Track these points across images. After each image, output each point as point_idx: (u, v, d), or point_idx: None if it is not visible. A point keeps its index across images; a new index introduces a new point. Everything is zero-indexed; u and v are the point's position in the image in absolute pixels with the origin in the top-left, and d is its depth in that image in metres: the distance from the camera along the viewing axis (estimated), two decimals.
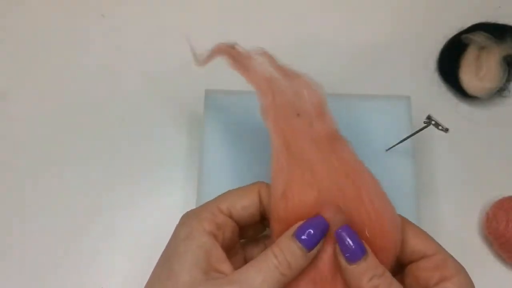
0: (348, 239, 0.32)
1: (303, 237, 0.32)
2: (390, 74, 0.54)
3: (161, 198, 0.49)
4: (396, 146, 0.44)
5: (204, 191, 0.44)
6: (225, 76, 0.53)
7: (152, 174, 0.50)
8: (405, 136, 0.44)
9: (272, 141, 0.35)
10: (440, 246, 0.34)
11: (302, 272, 0.33)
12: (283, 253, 0.32)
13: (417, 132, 0.43)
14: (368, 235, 0.32)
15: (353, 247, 0.32)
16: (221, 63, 0.54)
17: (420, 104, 0.48)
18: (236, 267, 0.32)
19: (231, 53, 0.38)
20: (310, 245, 0.32)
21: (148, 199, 0.49)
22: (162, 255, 0.33)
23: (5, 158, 0.50)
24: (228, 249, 0.34)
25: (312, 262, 0.33)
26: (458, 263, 0.33)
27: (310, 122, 0.35)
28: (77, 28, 0.56)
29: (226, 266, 0.32)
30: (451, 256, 0.34)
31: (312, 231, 0.32)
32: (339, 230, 0.32)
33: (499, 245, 0.46)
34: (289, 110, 0.35)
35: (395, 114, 0.46)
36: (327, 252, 0.33)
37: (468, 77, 0.52)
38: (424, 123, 0.42)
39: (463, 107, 0.53)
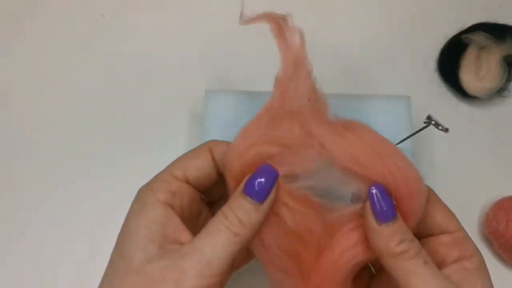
0: (381, 198, 0.30)
1: (253, 189, 0.30)
2: (390, 74, 0.54)
3: None
4: None
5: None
6: (225, 76, 0.54)
7: (152, 174, 0.50)
8: (405, 136, 0.44)
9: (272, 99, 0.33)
10: (461, 224, 0.34)
11: (268, 230, 0.31)
12: (233, 211, 0.30)
13: (417, 132, 0.43)
14: (394, 197, 0.31)
15: (385, 207, 0.30)
16: (221, 63, 0.54)
17: (420, 104, 0.48)
18: None
19: (279, 22, 0.36)
20: (261, 196, 0.30)
21: None
22: (118, 235, 0.32)
23: (5, 158, 0.51)
24: (190, 217, 0.33)
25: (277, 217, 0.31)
26: (475, 244, 0.33)
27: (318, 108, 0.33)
28: (77, 28, 0.56)
29: (185, 236, 0.30)
30: (469, 237, 0.33)
31: (262, 181, 0.30)
32: (372, 188, 0.30)
33: (499, 245, 0.46)
34: (303, 92, 0.33)
35: (395, 114, 0.46)
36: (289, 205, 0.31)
37: (468, 77, 0.52)
38: (424, 123, 0.42)
39: (463, 107, 0.53)
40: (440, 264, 0.32)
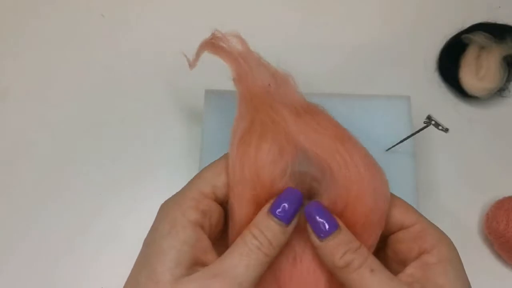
0: (317, 215, 0.30)
1: (278, 212, 0.30)
2: (390, 74, 0.54)
3: (161, 198, 0.49)
4: (396, 146, 0.44)
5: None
6: (225, 76, 0.53)
7: (152, 174, 0.50)
8: (405, 136, 0.44)
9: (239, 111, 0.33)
10: (421, 215, 0.32)
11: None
12: (262, 232, 0.30)
13: (417, 132, 0.43)
14: (347, 204, 0.31)
15: (324, 222, 0.30)
16: (221, 63, 0.54)
17: (420, 104, 0.48)
18: (224, 250, 0.31)
19: (211, 42, 0.38)
20: (287, 218, 0.30)
21: (149, 199, 0.49)
22: (142, 252, 0.31)
23: (5, 158, 0.50)
24: (216, 235, 0.32)
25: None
26: (440, 232, 0.32)
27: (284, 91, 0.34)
28: (77, 28, 0.56)
29: (211, 256, 0.30)
30: (432, 226, 0.32)
31: (286, 205, 0.30)
32: (307, 207, 0.31)
33: (499, 245, 0.46)
34: (261, 81, 0.34)
35: (395, 114, 0.46)
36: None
37: (468, 77, 0.52)
38: (424, 123, 0.42)
39: (463, 107, 0.53)
40: (404, 263, 0.31)
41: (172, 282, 0.28)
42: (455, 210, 0.50)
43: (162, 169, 0.50)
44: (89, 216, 0.48)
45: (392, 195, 0.33)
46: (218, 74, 0.53)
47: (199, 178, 0.33)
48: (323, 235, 0.30)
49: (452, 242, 0.31)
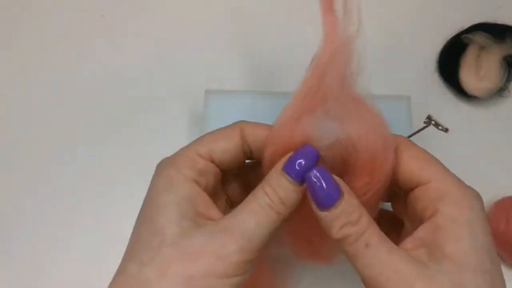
0: (322, 183, 0.28)
1: (293, 169, 0.29)
2: (390, 74, 0.54)
3: None
4: None
5: None
6: (225, 76, 0.54)
7: (152, 174, 0.50)
8: (405, 136, 0.44)
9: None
10: (442, 168, 0.30)
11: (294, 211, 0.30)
12: (275, 190, 0.29)
13: (417, 132, 0.43)
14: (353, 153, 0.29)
15: (326, 192, 0.28)
16: (221, 63, 0.54)
17: (420, 104, 0.48)
18: (222, 212, 0.30)
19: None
20: (301, 177, 0.29)
21: None
22: (140, 214, 0.30)
23: (5, 158, 0.51)
24: (212, 196, 0.31)
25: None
26: (464, 189, 0.29)
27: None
28: (77, 28, 0.56)
29: (214, 212, 0.30)
30: (455, 182, 0.29)
31: (303, 162, 0.29)
32: (309, 173, 0.29)
33: (499, 245, 0.46)
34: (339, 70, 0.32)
35: (395, 114, 0.46)
36: None
37: (468, 77, 0.52)
38: (424, 123, 0.42)
39: (463, 107, 0.53)
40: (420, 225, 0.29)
41: (179, 234, 0.28)
42: None
43: None
44: (88, 217, 0.48)
45: (413, 147, 0.31)
46: (218, 74, 0.54)
47: (196, 141, 0.32)
48: (324, 206, 0.28)
49: (478, 202, 0.28)
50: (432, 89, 0.54)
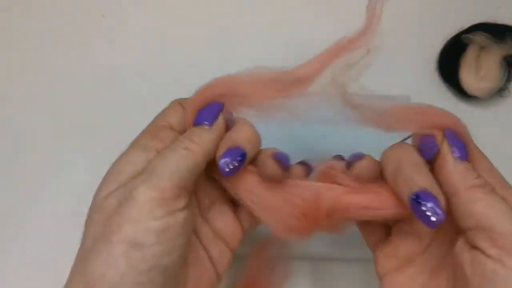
0: (456, 138, 0.32)
1: (201, 119, 0.33)
2: (390, 74, 0.54)
3: None
4: None
5: None
6: None
7: None
8: (405, 136, 0.44)
9: None
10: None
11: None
12: (185, 135, 0.32)
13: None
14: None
15: (460, 146, 0.31)
16: (221, 64, 0.54)
17: None
18: None
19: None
20: (209, 120, 0.32)
21: None
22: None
23: (5, 157, 0.51)
24: None
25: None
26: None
27: None
28: (77, 28, 0.56)
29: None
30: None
31: (209, 110, 0.33)
32: (447, 129, 0.33)
33: None
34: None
35: None
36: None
37: (468, 77, 0.52)
38: None
39: (463, 107, 0.53)
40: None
41: (102, 198, 0.31)
42: None
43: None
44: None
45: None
46: (218, 74, 0.54)
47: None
48: (460, 157, 0.31)
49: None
50: (432, 89, 0.54)
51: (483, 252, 0.26)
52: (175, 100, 0.36)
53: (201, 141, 0.31)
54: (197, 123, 0.33)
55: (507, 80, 0.52)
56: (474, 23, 0.54)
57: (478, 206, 0.28)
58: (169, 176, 0.29)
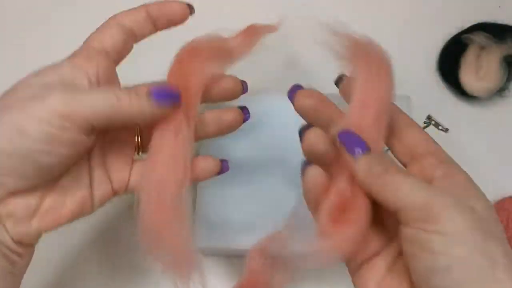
0: (351, 139, 0.33)
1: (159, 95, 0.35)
2: None
3: None
4: None
5: (202, 193, 0.45)
6: None
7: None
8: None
9: None
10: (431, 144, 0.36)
11: None
12: (134, 89, 0.35)
13: None
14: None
15: (357, 144, 0.32)
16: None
17: (420, 104, 0.48)
18: None
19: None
20: (161, 97, 0.35)
21: None
22: None
23: None
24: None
25: None
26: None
27: None
28: (77, 28, 0.56)
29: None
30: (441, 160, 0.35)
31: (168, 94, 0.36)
32: (341, 133, 0.33)
33: None
34: None
35: None
36: None
37: (468, 77, 0.52)
38: (424, 123, 0.42)
39: (463, 107, 0.53)
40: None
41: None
42: None
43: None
44: (89, 222, 0.48)
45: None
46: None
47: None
48: (358, 153, 0.31)
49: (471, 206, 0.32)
50: (432, 89, 0.54)
51: (410, 227, 0.29)
52: (115, 16, 0.40)
53: (137, 104, 0.34)
54: (153, 93, 0.35)
55: (507, 80, 0.52)
56: (474, 23, 0.54)
57: (389, 192, 0.30)
58: (88, 108, 0.31)
